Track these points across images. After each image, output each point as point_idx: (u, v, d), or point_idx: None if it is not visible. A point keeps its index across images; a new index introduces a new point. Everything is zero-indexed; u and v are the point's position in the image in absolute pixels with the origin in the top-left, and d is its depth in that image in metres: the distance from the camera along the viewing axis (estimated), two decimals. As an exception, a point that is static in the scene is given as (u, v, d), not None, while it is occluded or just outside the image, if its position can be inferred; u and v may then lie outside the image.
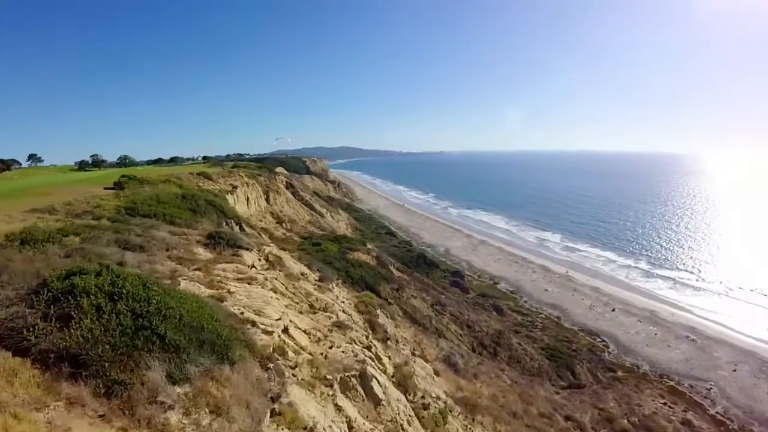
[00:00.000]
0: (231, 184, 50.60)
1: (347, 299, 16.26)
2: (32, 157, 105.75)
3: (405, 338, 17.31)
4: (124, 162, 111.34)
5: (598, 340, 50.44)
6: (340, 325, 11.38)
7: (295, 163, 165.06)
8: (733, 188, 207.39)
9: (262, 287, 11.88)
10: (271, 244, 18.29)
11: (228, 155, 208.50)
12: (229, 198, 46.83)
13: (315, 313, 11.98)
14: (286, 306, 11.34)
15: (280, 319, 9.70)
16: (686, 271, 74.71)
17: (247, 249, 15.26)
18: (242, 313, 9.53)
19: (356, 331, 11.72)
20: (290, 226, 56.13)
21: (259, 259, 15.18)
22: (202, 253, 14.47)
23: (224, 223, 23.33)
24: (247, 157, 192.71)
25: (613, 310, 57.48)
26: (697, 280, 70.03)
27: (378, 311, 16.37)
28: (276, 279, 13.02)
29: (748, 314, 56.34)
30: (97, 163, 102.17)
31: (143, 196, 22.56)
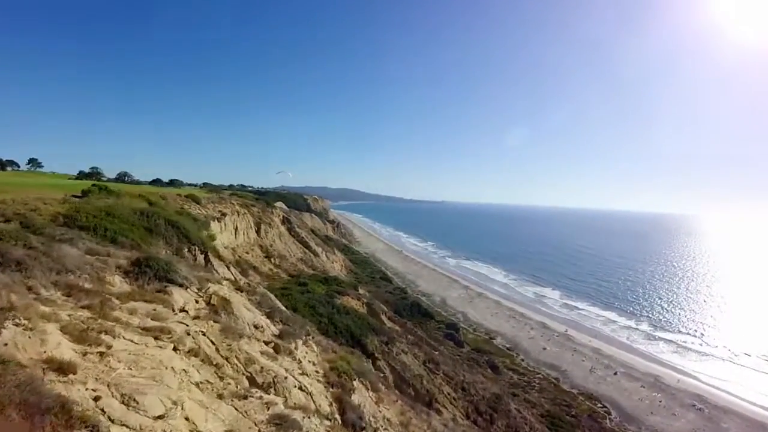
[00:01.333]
0: (220, 211, 46.40)
1: (316, 364, 11.54)
2: (32, 161, 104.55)
3: (388, 420, 12.58)
4: (122, 178, 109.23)
5: (599, 405, 45.85)
6: (282, 421, 6.52)
7: (297, 200, 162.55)
8: (733, 250, 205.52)
9: (176, 347, 7.39)
10: (223, 282, 13.60)
11: (231, 185, 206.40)
12: (216, 225, 42.62)
13: (247, 397, 7.32)
14: (198, 384, 6.76)
15: (163, 416, 5.16)
16: (689, 334, 70.89)
17: (181, 285, 10.81)
18: (97, 399, 5.12)
19: (309, 432, 7.07)
20: (279, 261, 51.55)
21: (197, 301, 10.65)
22: (117, 284, 10.04)
23: (185, 249, 19.03)
24: (250, 189, 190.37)
25: (615, 374, 53.05)
26: (701, 345, 66.09)
27: (354, 382, 11.68)
28: (204, 333, 8.52)
29: (756, 382, 52.41)
30: (93, 175, 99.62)
31: (94, 205, 18.37)
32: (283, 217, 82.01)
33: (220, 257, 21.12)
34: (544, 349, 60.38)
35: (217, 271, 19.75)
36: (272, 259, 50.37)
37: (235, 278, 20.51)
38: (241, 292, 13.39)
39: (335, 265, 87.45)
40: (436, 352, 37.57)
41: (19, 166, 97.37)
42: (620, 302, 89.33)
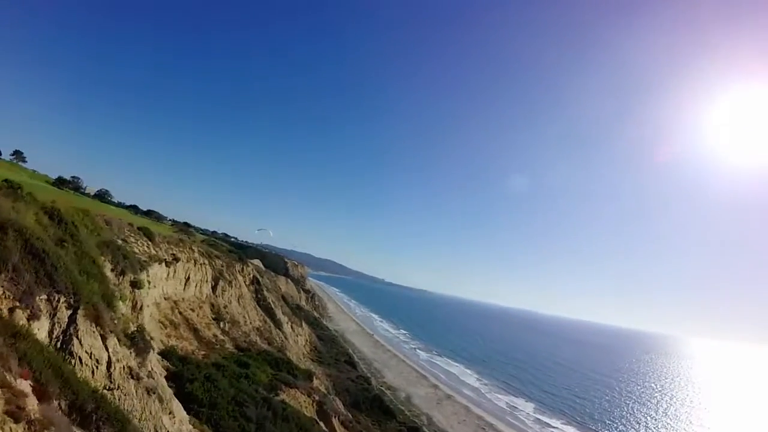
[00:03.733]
0: (173, 254, 38.91)
1: None
2: (16, 153, 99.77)
3: None
4: (102, 196, 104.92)
5: None
6: None
7: (277, 261, 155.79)
8: (715, 376, 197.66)
9: None
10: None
11: (214, 232, 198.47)
12: (161, 270, 35.27)
13: None
14: None
15: None
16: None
17: None
18: None
19: None
20: (229, 327, 43.33)
21: None
22: None
23: (42, 297, 11.87)
24: (233, 240, 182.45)
25: None
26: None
27: None
28: None
29: None
30: (69, 183, 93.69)
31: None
32: (253, 276, 74.13)
33: (99, 322, 13.36)
34: (515, 473, 51.52)
35: (81, 342, 12.53)
36: (221, 324, 42.24)
37: (110, 359, 13.21)
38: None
39: (299, 339, 78.35)
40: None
41: (0, 153, 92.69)
42: (597, 423, 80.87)
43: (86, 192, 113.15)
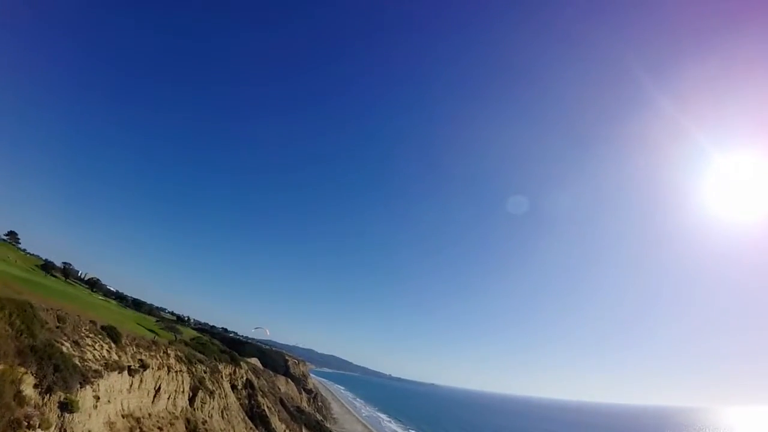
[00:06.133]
0: (140, 360, 32.33)
1: None
2: (11, 234, 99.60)
3: None
4: (92, 283, 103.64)
5: None
6: None
7: (277, 359, 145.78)
8: None
9: None
10: None
11: (213, 326, 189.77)
12: (122, 379, 28.69)
13: None
14: None
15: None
16: None
17: None
18: None
19: None
20: (206, 448, 35.47)
21: None
22: None
23: None
24: (231, 336, 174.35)
25: None
26: None
27: None
28: None
29: None
30: (48, 266, 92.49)
31: None
32: (247, 379, 65.83)
33: None
34: None
35: None
36: (197, 444, 34.56)
37: None
38: None
39: (297, 450, 68.11)
40: None
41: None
42: None
43: (84, 277, 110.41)
